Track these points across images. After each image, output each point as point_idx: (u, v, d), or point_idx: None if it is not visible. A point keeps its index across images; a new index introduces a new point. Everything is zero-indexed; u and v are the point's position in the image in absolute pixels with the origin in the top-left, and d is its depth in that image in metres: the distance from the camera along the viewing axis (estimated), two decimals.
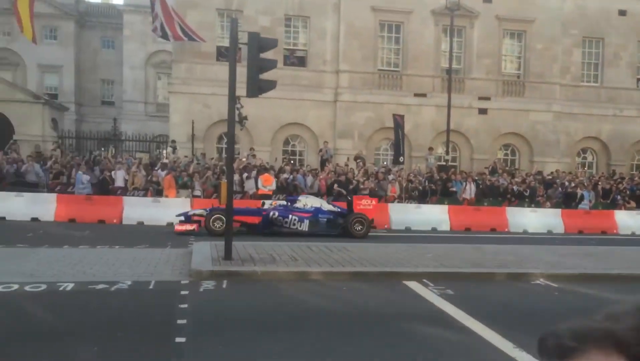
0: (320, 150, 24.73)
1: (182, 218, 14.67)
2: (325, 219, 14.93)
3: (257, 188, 18.09)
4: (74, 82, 45.06)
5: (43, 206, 16.50)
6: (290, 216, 14.72)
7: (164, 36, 22.13)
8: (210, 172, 18.85)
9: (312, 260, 10.19)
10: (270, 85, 9.72)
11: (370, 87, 26.62)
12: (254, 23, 23.79)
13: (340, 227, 14.90)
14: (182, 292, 7.83)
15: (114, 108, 45.78)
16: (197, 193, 18.06)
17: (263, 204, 15.48)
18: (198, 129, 24.93)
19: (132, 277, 8.56)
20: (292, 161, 23.03)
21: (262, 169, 19.39)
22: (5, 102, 27.46)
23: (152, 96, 45.95)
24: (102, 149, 31.71)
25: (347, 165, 22.28)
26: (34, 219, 16.00)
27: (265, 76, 9.83)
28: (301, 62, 26.60)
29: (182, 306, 7.12)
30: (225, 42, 25.09)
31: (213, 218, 14.25)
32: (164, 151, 29.61)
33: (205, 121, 25.22)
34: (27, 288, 7.67)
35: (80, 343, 5.62)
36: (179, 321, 6.42)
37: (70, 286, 7.90)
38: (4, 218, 15.90)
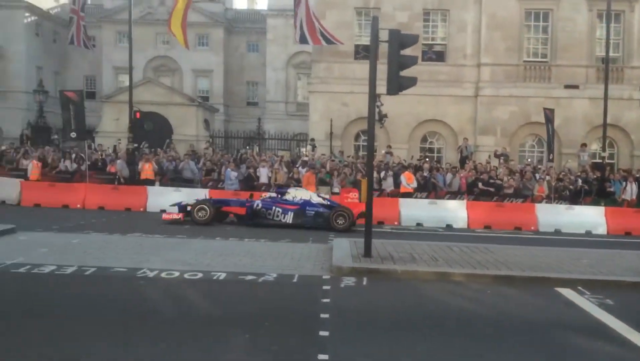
0: (460, 147, 23.98)
1: (176, 208, 15.13)
2: (313, 212, 14.83)
3: (400, 186, 17.97)
4: (222, 85, 48.36)
5: None
6: (273, 207, 14.90)
7: (303, 39, 22.86)
8: (348, 169, 19.12)
9: (453, 260, 9.90)
10: (411, 82, 9.60)
11: (514, 80, 25.26)
12: (391, 20, 23.69)
13: (327, 220, 14.69)
14: (324, 287, 8.02)
15: (257, 108, 48.36)
16: (336, 190, 18.41)
17: (251, 196, 15.77)
18: (336, 127, 25.43)
19: (277, 270, 8.96)
20: (427, 158, 22.61)
21: (402, 167, 19.25)
22: (165, 106, 30.26)
23: (293, 95, 47.81)
24: (247, 147, 33.66)
25: (488, 163, 21.35)
26: None
27: (405, 72, 9.73)
28: (439, 57, 25.97)
29: (325, 300, 7.30)
30: (363, 41, 25.38)
31: (197, 208, 14.79)
32: (303, 149, 30.69)
33: (343, 118, 25.65)
34: (186, 275, 8.36)
35: (233, 330, 5.99)
36: (322, 315, 6.58)
37: (222, 275, 8.46)
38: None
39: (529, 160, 24.12)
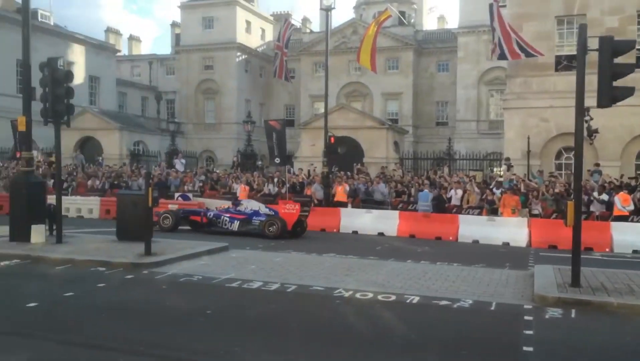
0: None
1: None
2: (259, 222, 16.26)
3: (613, 208, 16.09)
4: (412, 106, 48.68)
5: (387, 222, 18.02)
6: (222, 217, 16.68)
7: (502, 57, 21.89)
8: (551, 189, 17.67)
9: None
10: (628, 92, 8.54)
11: None
12: (599, 25, 21.56)
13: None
14: (526, 317, 7.45)
15: (447, 128, 47.64)
16: (535, 211, 17.15)
17: (207, 209, 17.72)
18: (534, 145, 23.79)
19: (473, 296, 8.56)
20: None
21: (616, 187, 17.21)
22: (356, 130, 31.34)
23: (485, 113, 46.18)
24: (437, 168, 33.17)
25: None
26: (380, 234, 17.62)
27: (618, 82, 8.71)
28: None
29: (527, 332, 6.77)
30: (565, 51, 23.48)
31: (163, 217, 16.68)
32: (496, 169, 29.24)
33: (542, 135, 23.94)
34: (379, 297, 8.42)
35: (430, 357, 5.85)
36: (525, 348, 6.12)
37: (415, 299, 8.34)
38: (356, 232, 17.99)
39: None
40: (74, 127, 20.85)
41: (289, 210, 16.48)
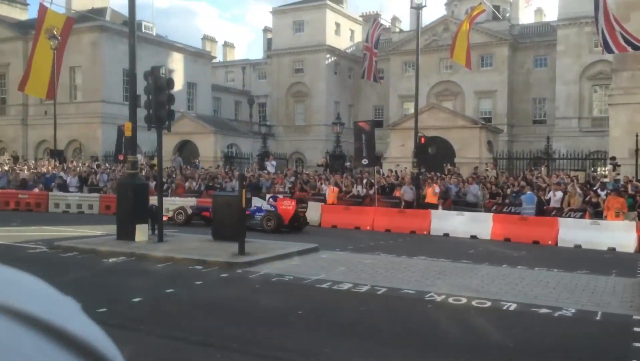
0: None
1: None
2: (260, 217, 17.21)
3: None
4: (506, 104, 46.75)
5: (480, 225, 17.43)
6: None
7: (608, 50, 20.50)
8: None
9: None
10: None
11: None
12: None
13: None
14: (636, 329, 6.89)
15: (545, 126, 45.30)
16: None
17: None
18: None
19: (576, 305, 8.07)
20: None
21: None
22: (447, 129, 30.60)
23: (587, 110, 43.44)
24: (534, 168, 31.61)
25: None
26: (473, 237, 17.08)
27: None
28: None
29: (637, 345, 6.26)
30: None
31: (177, 212, 18.08)
32: (601, 169, 27.45)
33: None
34: (473, 302, 8.13)
35: None
36: None
37: (513, 306, 7.98)
38: (447, 235, 17.55)
39: None
40: (173, 131, 22.01)
41: (286, 206, 17.54)
